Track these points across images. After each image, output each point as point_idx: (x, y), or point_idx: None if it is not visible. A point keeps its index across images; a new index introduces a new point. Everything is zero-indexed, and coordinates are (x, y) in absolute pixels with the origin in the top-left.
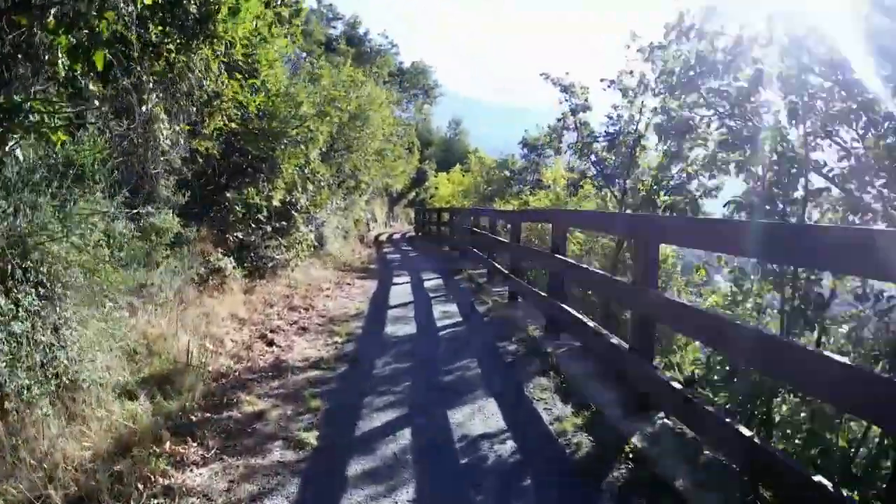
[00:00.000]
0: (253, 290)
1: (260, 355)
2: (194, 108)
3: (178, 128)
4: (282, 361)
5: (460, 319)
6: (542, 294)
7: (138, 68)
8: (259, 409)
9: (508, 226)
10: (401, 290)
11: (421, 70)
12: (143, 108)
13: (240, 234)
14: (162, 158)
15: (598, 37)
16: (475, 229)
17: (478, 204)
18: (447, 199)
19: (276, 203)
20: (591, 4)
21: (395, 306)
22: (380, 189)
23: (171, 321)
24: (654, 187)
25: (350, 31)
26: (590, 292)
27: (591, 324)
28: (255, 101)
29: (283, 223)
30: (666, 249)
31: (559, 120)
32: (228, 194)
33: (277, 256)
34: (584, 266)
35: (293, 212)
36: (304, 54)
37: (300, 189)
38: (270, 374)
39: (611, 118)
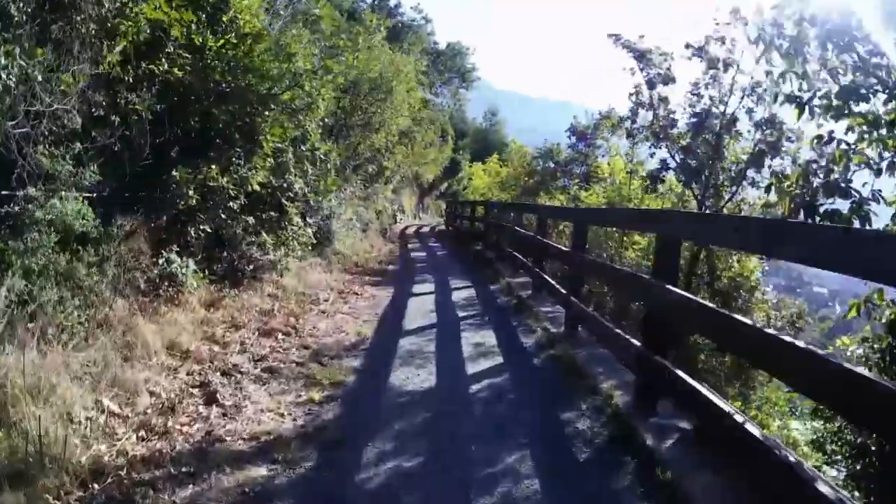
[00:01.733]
0: (220, 302)
1: (185, 425)
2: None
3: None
4: (214, 441)
5: (500, 361)
6: (634, 342)
7: None
8: None
9: (568, 228)
10: (421, 305)
11: (457, 51)
12: None
13: (206, 227)
14: (45, 109)
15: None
16: (517, 228)
17: (518, 198)
18: (482, 192)
19: (254, 187)
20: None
21: (412, 332)
22: (409, 178)
23: (54, 363)
24: (803, 185)
25: (378, 2)
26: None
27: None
28: (214, 44)
29: (272, 214)
30: (749, 262)
31: (631, 95)
32: (176, 173)
33: (260, 257)
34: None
35: (283, 200)
36: None
37: (293, 171)
38: (186, 469)
39: (696, 96)
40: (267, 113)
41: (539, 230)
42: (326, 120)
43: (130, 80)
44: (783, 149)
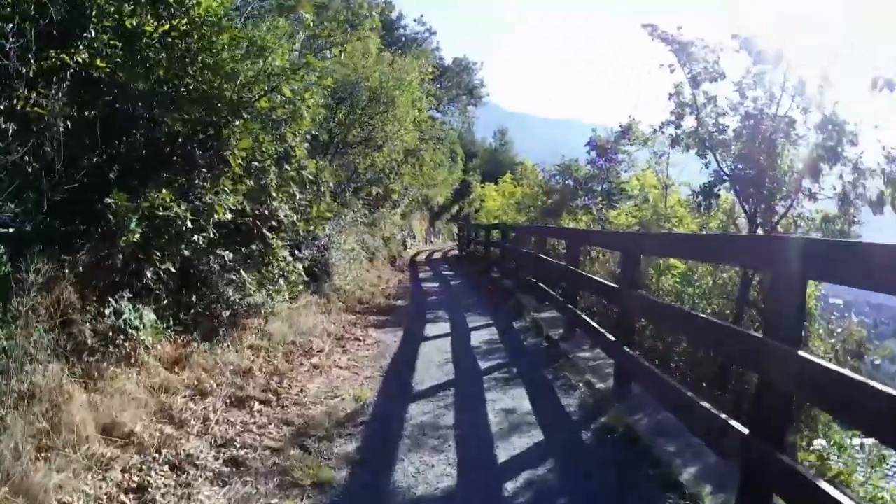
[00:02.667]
0: (186, 360)
1: None
2: None
3: None
4: None
5: (540, 439)
6: (736, 427)
7: None
8: None
9: (602, 254)
10: (435, 352)
11: (464, 67)
12: None
13: (170, 266)
14: None
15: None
16: (541, 255)
17: (536, 220)
18: (495, 214)
19: (222, 215)
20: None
21: (424, 394)
22: (418, 201)
23: None
24: None
25: (379, 15)
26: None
27: None
28: (153, 29)
29: (252, 248)
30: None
31: (671, 96)
32: (111, 200)
33: (240, 300)
34: None
35: (265, 230)
36: None
37: (277, 195)
38: None
39: (741, 95)
40: (238, 123)
41: (570, 258)
42: (317, 134)
43: (31, 73)
44: (843, 153)
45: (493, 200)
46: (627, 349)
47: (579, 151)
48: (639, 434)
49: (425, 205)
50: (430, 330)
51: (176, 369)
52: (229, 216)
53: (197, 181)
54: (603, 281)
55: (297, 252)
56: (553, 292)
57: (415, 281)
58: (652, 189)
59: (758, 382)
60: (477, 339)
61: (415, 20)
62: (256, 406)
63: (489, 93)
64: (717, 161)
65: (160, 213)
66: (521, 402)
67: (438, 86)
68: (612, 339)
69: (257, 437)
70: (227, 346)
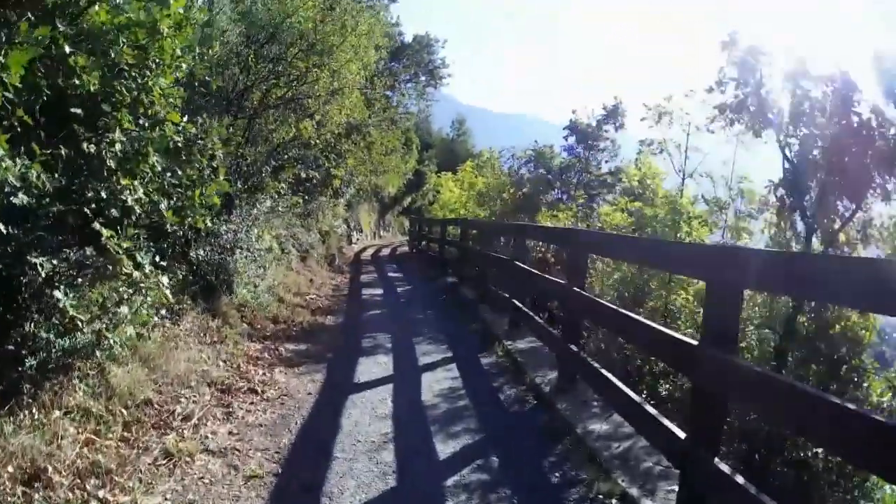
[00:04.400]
0: None
1: None
2: None
3: None
4: None
5: None
6: None
7: None
8: None
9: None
10: (369, 420)
11: (425, 44)
12: None
13: None
14: None
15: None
16: (517, 263)
17: (507, 216)
18: (452, 208)
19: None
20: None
21: None
22: (367, 191)
23: None
24: None
25: None
26: None
27: None
28: None
29: (84, 251)
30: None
31: (725, 45)
32: None
33: (55, 337)
34: None
35: (97, 225)
36: None
37: (117, 170)
38: None
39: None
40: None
41: (572, 274)
42: (210, 81)
43: None
44: None
45: (450, 192)
46: (721, 465)
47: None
48: None
49: (375, 195)
50: (365, 370)
51: None
52: (23, 199)
53: None
54: (656, 326)
55: (189, 254)
56: (538, 318)
57: (354, 286)
58: (654, 180)
59: None
60: (431, 388)
61: None
62: None
63: (451, 73)
64: (780, 145)
65: None
66: None
67: (395, 63)
68: (676, 432)
69: None
70: (31, 414)
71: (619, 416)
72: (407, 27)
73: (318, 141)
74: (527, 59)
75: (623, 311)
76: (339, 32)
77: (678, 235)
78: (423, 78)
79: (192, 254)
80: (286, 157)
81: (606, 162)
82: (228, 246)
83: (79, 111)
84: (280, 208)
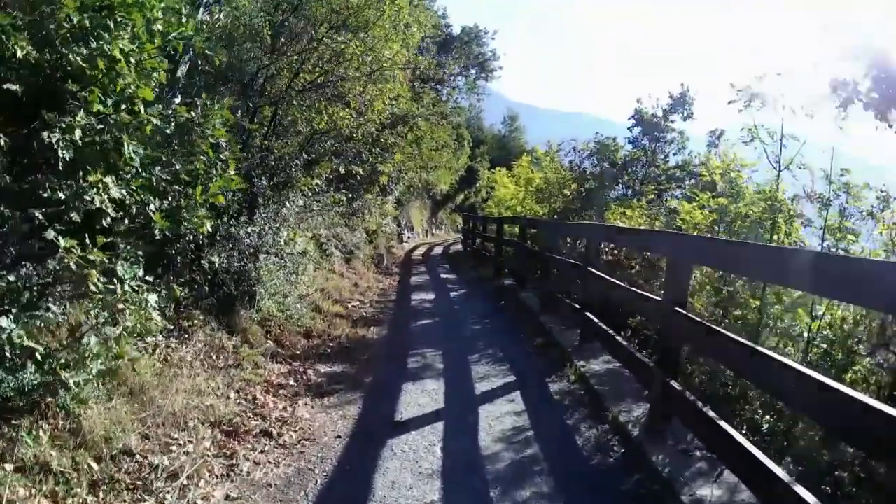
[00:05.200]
0: None
1: None
2: None
3: None
4: None
5: None
6: None
7: None
8: None
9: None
10: (410, 479)
11: (475, 36)
12: None
13: None
14: None
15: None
16: (592, 271)
17: (569, 214)
18: (508, 205)
19: None
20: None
21: None
22: (418, 188)
23: None
24: None
25: None
26: None
27: None
28: None
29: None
30: None
31: None
32: None
33: (4, 375)
34: None
35: (49, 232)
36: None
37: (62, 154)
38: None
39: None
40: None
41: (671, 291)
42: (211, 55)
43: None
44: None
45: (504, 188)
46: None
47: None
48: None
49: (426, 193)
50: (409, 401)
51: None
52: None
53: None
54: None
55: (200, 260)
56: (619, 336)
57: (402, 290)
58: (740, 173)
59: None
60: (491, 428)
61: None
62: None
63: (502, 66)
64: None
65: None
66: None
67: (443, 56)
68: None
69: None
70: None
71: (735, 475)
72: (454, 19)
73: (358, 133)
74: (571, 53)
75: (769, 352)
76: (375, 5)
77: (776, 238)
78: (472, 71)
79: (204, 261)
80: (321, 150)
81: (674, 154)
82: (251, 251)
83: (16, 87)
84: (315, 207)
